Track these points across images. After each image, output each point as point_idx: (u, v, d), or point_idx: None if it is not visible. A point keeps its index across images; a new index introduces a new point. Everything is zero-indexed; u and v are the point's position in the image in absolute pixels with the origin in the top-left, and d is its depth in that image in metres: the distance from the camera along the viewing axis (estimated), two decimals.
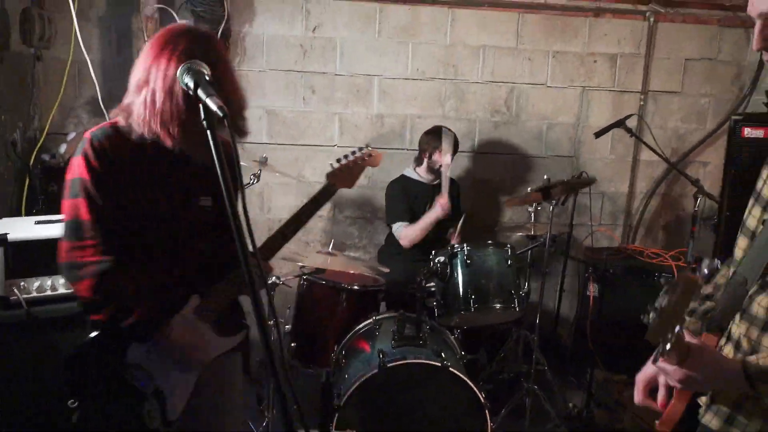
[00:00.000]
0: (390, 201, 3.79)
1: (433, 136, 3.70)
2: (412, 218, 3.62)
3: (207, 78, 1.22)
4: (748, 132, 2.89)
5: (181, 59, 1.52)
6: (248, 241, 1.12)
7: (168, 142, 1.60)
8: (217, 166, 1.12)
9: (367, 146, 2.27)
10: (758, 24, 1.35)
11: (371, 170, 4.20)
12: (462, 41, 4.17)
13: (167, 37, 1.62)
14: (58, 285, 2.32)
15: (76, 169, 1.65)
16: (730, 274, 1.52)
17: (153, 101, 1.57)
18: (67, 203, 1.67)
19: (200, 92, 1.17)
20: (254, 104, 4.04)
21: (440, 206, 3.53)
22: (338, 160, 2.21)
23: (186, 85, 1.22)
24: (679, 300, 1.26)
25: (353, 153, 2.24)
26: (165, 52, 1.58)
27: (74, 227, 1.66)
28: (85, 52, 3.42)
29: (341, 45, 4.08)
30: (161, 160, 1.71)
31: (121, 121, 1.66)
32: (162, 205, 1.74)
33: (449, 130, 3.70)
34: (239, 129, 1.74)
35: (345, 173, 2.20)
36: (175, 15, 3.71)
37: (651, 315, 1.42)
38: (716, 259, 1.57)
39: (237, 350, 1.93)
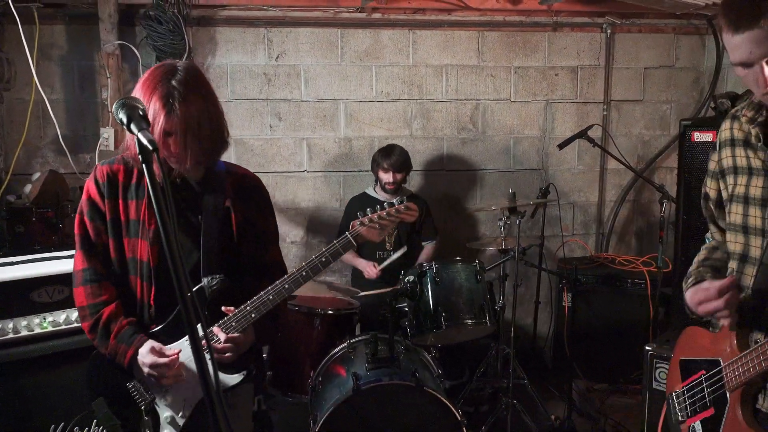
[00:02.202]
0: (343, 216, 3.96)
1: (380, 154, 3.81)
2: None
3: (140, 113, 1.23)
4: (697, 136, 2.95)
5: (157, 101, 1.69)
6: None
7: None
8: (153, 200, 1.11)
9: (401, 200, 1.98)
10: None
11: (344, 194, 4.23)
12: (425, 61, 4.23)
13: (151, 75, 1.75)
14: (20, 327, 2.30)
15: (84, 190, 1.86)
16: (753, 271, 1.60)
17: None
18: None
19: (133, 127, 1.18)
20: None
21: (368, 269, 3.73)
22: (367, 213, 1.95)
23: (120, 120, 1.23)
24: None
25: (385, 206, 1.96)
26: (148, 89, 1.71)
27: (75, 240, 1.85)
28: (42, 93, 3.41)
29: (305, 71, 4.12)
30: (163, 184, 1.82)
31: (126, 153, 1.82)
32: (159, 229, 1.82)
33: (398, 148, 3.79)
34: (207, 161, 1.85)
35: (374, 228, 1.95)
36: (136, 51, 3.73)
37: None
38: None
39: (243, 384, 1.93)
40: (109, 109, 3.66)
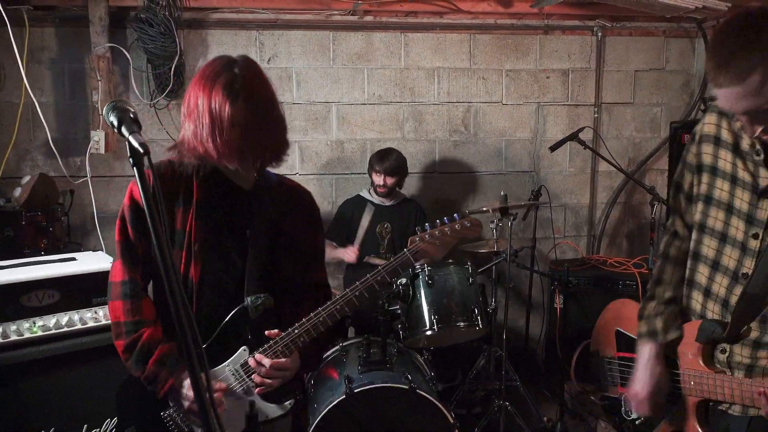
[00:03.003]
0: (334, 219, 3.96)
1: (375, 156, 3.80)
2: (348, 238, 3.77)
3: (131, 116, 1.21)
4: (688, 138, 2.96)
5: (219, 90, 1.58)
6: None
7: (231, 165, 1.64)
8: (145, 209, 1.09)
9: (464, 214, 1.84)
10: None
11: (336, 196, 4.23)
12: (416, 64, 4.23)
13: (209, 66, 1.66)
14: (9, 332, 2.28)
15: (126, 194, 1.72)
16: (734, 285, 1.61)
17: (200, 128, 1.61)
18: None
19: (123, 130, 1.17)
20: None
21: (347, 253, 3.71)
22: (425, 228, 1.80)
23: (111, 123, 1.22)
24: None
25: (446, 222, 1.81)
26: (208, 80, 1.62)
27: (115, 248, 1.72)
28: (32, 95, 3.39)
29: (297, 74, 4.12)
30: (216, 193, 1.73)
31: (174, 156, 1.70)
32: (213, 238, 1.71)
33: (395, 153, 3.78)
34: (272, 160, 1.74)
35: (433, 243, 1.79)
36: (126, 53, 3.72)
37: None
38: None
39: (286, 416, 1.79)
40: (100, 112, 3.64)
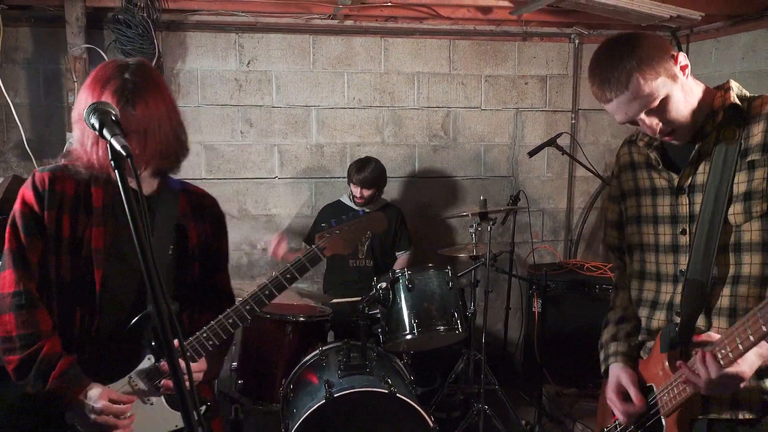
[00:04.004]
0: (313, 224, 3.96)
1: (354, 166, 3.77)
2: None
3: (113, 118, 1.20)
4: None
5: (108, 96, 1.52)
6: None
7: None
8: (127, 209, 1.09)
9: (367, 210, 1.97)
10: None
11: (316, 200, 4.22)
12: (396, 69, 4.25)
13: (98, 73, 1.59)
14: None
15: (17, 200, 1.64)
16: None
17: (85, 136, 1.57)
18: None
19: (105, 132, 1.16)
20: (191, 140, 3.95)
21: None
22: (332, 224, 1.92)
23: (92, 125, 1.20)
24: None
25: (350, 217, 1.94)
26: (98, 84, 1.56)
27: (3, 257, 1.64)
28: (6, 96, 3.34)
29: (277, 77, 4.10)
30: (117, 199, 1.66)
31: (69, 161, 1.64)
32: (114, 245, 1.65)
33: (372, 164, 3.75)
34: (167, 167, 1.71)
35: (340, 238, 1.89)
36: (104, 55, 3.67)
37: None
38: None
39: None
40: None
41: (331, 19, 4.03)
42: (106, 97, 1.51)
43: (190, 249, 1.79)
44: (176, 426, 1.69)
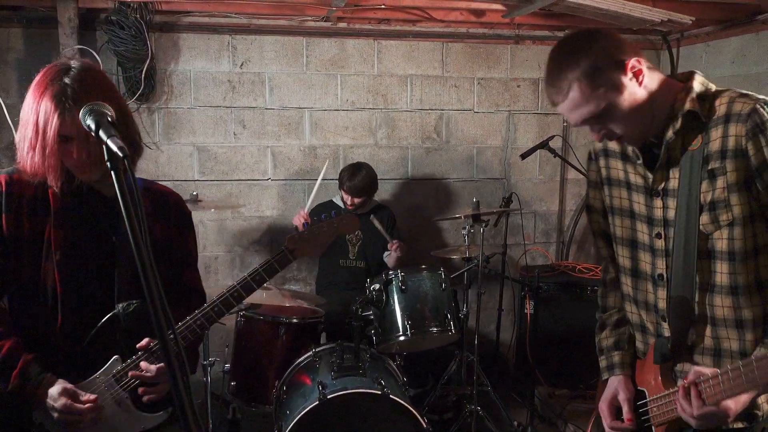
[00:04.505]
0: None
1: (345, 173, 3.78)
2: None
3: (109, 119, 1.21)
4: None
5: (52, 96, 1.50)
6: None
7: (52, 182, 1.58)
8: (122, 208, 1.08)
9: (338, 212, 1.90)
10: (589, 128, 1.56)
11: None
12: (389, 71, 4.26)
13: (40, 77, 1.56)
14: None
15: None
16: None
17: (22, 140, 1.55)
18: None
19: (101, 133, 1.16)
20: (184, 141, 4.00)
21: (295, 219, 3.71)
22: (304, 225, 1.91)
23: (88, 126, 1.21)
24: None
25: (322, 218, 1.91)
26: (38, 90, 1.53)
27: None
28: None
29: (270, 79, 4.11)
30: (76, 201, 1.65)
31: (23, 169, 1.62)
32: (75, 247, 1.64)
33: (363, 172, 3.76)
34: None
35: (309, 240, 1.86)
36: (96, 56, 3.66)
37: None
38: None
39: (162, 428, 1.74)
40: None
41: (325, 21, 4.04)
42: (46, 102, 1.50)
43: (156, 248, 1.72)
44: (144, 427, 1.68)
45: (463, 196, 4.46)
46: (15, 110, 3.68)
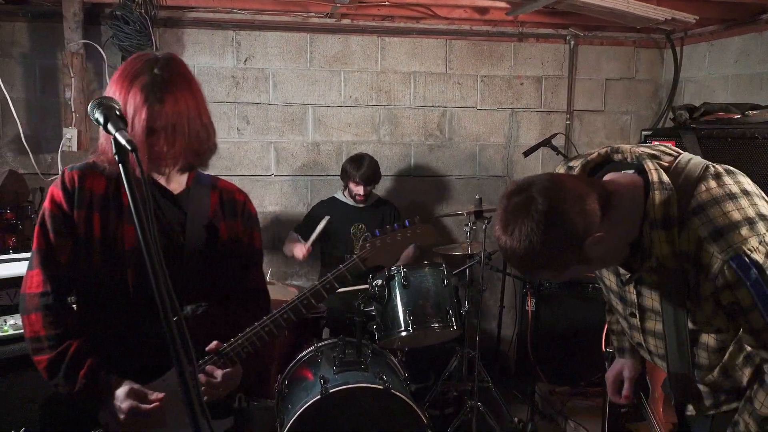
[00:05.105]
0: (305, 216, 4.00)
1: (351, 165, 3.80)
2: (320, 238, 3.74)
3: (117, 113, 1.21)
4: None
5: (137, 92, 1.50)
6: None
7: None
8: (131, 204, 1.09)
9: (414, 221, 1.81)
10: None
11: (311, 198, 4.23)
12: (393, 68, 4.27)
13: (127, 67, 1.56)
14: None
15: (46, 199, 1.61)
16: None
17: None
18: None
19: (110, 127, 1.17)
20: None
21: (297, 252, 3.74)
22: (376, 234, 1.80)
23: (96, 120, 1.22)
24: None
25: (396, 226, 1.80)
26: (125, 80, 1.52)
27: (30, 256, 1.61)
28: (4, 91, 3.33)
29: (273, 75, 4.12)
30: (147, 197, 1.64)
31: (98, 158, 1.61)
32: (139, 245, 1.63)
33: (367, 160, 3.79)
34: (196, 163, 1.67)
35: (382, 249, 1.77)
36: (101, 50, 3.68)
37: None
38: None
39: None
40: (73, 109, 3.60)
41: (329, 17, 4.04)
42: (134, 93, 1.49)
43: (222, 248, 1.73)
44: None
45: (465, 193, 4.47)
46: (19, 104, 3.71)
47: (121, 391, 1.54)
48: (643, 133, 3.14)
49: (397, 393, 2.64)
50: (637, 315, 1.55)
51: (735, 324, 1.39)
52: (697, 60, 4.32)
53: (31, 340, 1.57)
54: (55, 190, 1.60)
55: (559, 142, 4.21)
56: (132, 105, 1.49)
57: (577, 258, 1.35)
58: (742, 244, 1.27)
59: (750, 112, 3.09)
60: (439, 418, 3.58)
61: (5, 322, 2.31)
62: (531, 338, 3.93)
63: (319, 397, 2.57)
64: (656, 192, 1.34)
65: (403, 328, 3.05)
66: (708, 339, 1.46)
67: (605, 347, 2.40)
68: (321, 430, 2.64)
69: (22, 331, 2.31)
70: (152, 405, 1.54)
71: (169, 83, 1.52)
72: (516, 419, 3.64)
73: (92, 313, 1.63)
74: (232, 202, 1.78)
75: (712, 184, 1.35)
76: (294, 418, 2.57)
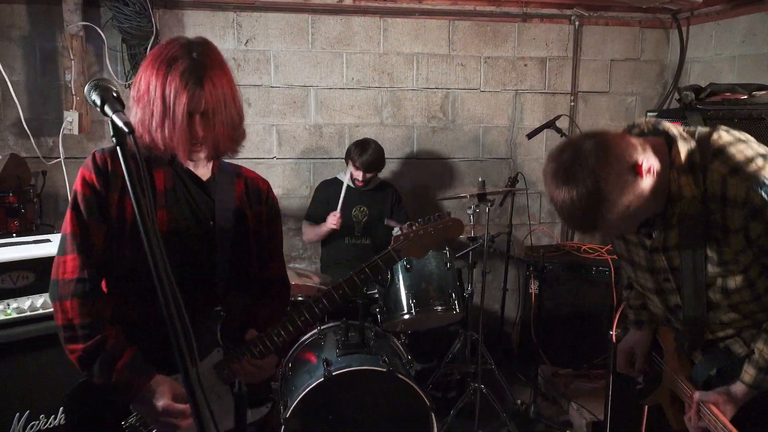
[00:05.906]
0: (311, 200, 3.99)
1: (355, 149, 3.77)
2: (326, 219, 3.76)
3: (114, 95, 1.20)
4: None
5: (176, 77, 1.50)
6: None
7: (182, 157, 1.58)
8: (128, 185, 1.07)
9: (447, 213, 1.88)
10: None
11: (314, 181, 4.21)
12: (395, 49, 4.23)
13: (163, 52, 1.55)
14: None
15: (77, 181, 1.59)
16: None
17: (148, 115, 1.53)
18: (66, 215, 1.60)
19: (107, 109, 1.16)
20: None
21: (330, 220, 3.70)
22: (410, 225, 1.82)
23: (93, 102, 1.20)
24: None
25: (428, 219, 1.85)
26: (162, 64, 1.52)
27: (61, 241, 1.59)
28: (4, 74, 3.31)
29: (275, 57, 4.08)
30: (178, 183, 1.64)
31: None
32: (179, 230, 1.61)
33: (372, 146, 3.76)
34: (230, 149, 1.66)
35: (415, 241, 1.80)
36: (101, 32, 3.64)
37: None
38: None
39: (258, 425, 1.72)
40: (73, 92, 3.57)
41: None
42: (173, 77, 1.49)
43: (248, 235, 1.73)
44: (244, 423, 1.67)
45: (468, 175, 4.44)
46: (20, 87, 3.68)
47: (161, 389, 1.53)
48: (649, 114, 3.11)
49: (401, 376, 2.64)
50: (671, 278, 1.64)
51: (760, 261, 1.50)
52: (703, 40, 4.26)
53: (64, 328, 1.54)
54: (86, 172, 1.57)
55: (563, 124, 4.18)
56: (171, 90, 1.49)
57: (635, 192, 1.42)
58: (762, 170, 1.44)
59: (757, 92, 3.05)
60: (442, 401, 3.59)
61: (9, 305, 2.31)
62: (534, 321, 3.93)
63: (323, 379, 2.58)
64: (680, 142, 1.50)
65: (406, 311, 3.05)
66: (725, 282, 1.55)
67: (615, 328, 2.48)
68: (324, 413, 2.65)
69: (24, 314, 2.33)
70: (187, 406, 1.50)
71: (208, 68, 1.52)
72: (519, 401, 3.65)
73: (122, 300, 1.61)
74: (257, 190, 1.80)
75: (723, 134, 1.52)
76: (297, 400, 2.58)
